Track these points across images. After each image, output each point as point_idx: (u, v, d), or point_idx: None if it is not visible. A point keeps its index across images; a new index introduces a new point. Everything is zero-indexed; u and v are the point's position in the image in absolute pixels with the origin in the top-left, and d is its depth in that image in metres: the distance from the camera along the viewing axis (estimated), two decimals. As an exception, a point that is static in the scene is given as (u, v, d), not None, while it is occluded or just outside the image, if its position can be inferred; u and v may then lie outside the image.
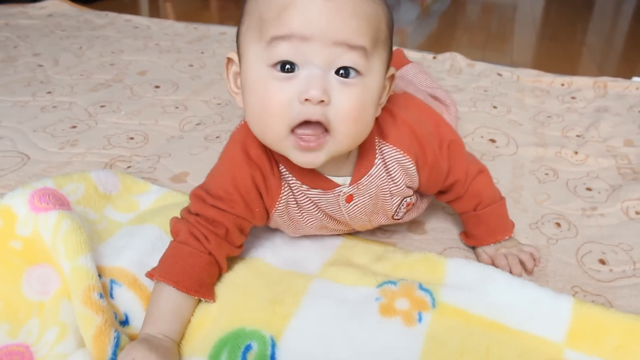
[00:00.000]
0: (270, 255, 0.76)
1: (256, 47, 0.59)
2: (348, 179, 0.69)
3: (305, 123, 0.58)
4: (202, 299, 0.68)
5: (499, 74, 1.59)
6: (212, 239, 0.69)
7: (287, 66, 0.57)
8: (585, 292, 0.76)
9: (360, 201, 0.72)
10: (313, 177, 0.68)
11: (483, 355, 0.61)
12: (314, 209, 0.72)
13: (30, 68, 1.57)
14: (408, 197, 0.76)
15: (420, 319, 0.64)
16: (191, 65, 1.63)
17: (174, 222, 0.72)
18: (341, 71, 0.58)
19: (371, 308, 0.65)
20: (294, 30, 0.56)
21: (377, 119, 0.66)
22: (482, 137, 1.20)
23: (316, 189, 0.70)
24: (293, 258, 0.76)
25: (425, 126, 0.72)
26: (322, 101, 0.56)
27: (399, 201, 0.75)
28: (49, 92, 1.40)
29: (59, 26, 2.01)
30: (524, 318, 0.65)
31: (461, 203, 0.79)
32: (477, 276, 0.70)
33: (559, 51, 2.01)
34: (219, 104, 1.36)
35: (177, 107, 1.33)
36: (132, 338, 0.65)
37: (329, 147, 0.60)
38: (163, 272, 0.67)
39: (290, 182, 0.70)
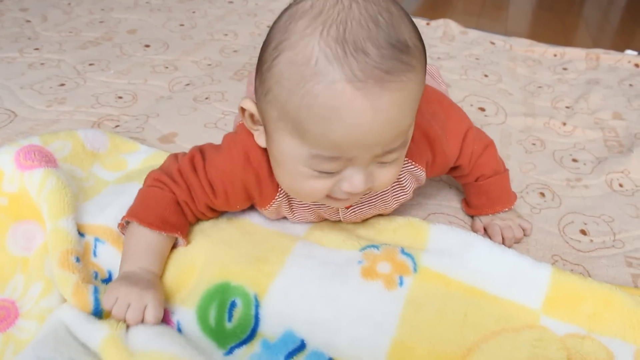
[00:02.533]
0: (256, 217, 0.77)
1: (294, 145, 0.56)
2: None
3: None
4: (175, 236, 0.69)
5: (492, 43, 1.59)
6: (183, 186, 0.68)
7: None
8: (564, 261, 0.78)
9: (359, 208, 0.72)
10: None
11: (461, 320, 0.62)
12: (308, 211, 0.73)
13: (18, 23, 1.54)
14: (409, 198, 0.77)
15: (401, 283, 0.65)
16: (182, 25, 1.60)
17: (149, 173, 0.72)
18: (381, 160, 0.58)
19: (353, 271, 0.66)
20: (340, 152, 0.54)
21: None
22: (471, 105, 1.21)
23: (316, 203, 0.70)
24: (280, 220, 0.77)
25: (438, 121, 0.70)
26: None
27: (398, 204, 0.76)
28: (36, 49, 1.38)
29: (48, -19, 1.96)
30: (502, 284, 0.66)
31: (463, 178, 0.80)
32: (458, 242, 0.71)
33: (554, 22, 2.00)
34: (209, 64, 1.35)
35: (166, 67, 1.32)
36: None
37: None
38: (128, 213, 0.68)
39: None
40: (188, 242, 0.71)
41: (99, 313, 0.62)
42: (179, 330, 0.63)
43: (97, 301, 0.62)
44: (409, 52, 0.51)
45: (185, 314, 0.64)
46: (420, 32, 0.56)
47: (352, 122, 0.51)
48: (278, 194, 0.69)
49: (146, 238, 0.67)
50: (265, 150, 0.65)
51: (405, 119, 0.54)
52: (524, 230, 0.80)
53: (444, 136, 0.70)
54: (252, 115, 0.61)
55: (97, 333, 0.58)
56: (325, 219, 0.76)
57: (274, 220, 0.76)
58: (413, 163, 0.69)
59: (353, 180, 0.57)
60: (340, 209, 0.71)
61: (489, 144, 0.78)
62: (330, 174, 0.57)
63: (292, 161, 0.57)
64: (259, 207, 0.73)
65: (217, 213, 0.74)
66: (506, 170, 0.81)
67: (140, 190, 0.71)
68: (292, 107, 0.52)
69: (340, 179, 0.57)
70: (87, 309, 0.61)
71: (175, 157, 0.73)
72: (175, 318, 0.64)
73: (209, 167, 0.68)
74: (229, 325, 0.63)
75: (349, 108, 0.50)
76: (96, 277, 0.68)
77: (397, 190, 0.72)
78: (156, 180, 0.70)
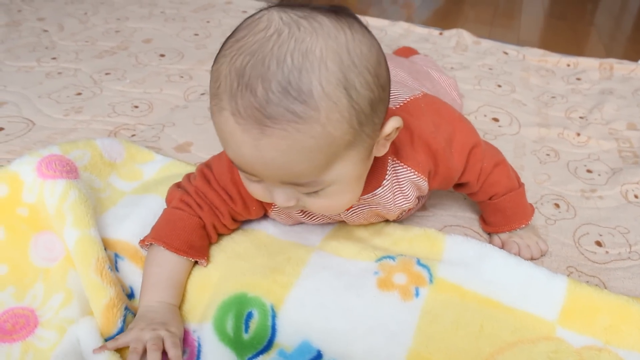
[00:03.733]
0: (271, 227, 0.77)
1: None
2: None
3: None
4: (196, 261, 0.70)
5: (505, 52, 1.59)
6: (206, 209, 0.70)
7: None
8: (580, 272, 0.77)
9: (360, 210, 0.72)
10: None
11: (477, 331, 0.62)
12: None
13: (35, 33, 1.56)
14: (412, 207, 0.77)
15: (417, 294, 0.65)
16: (196, 35, 1.62)
17: (171, 190, 0.74)
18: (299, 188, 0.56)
19: (369, 282, 0.66)
20: (244, 169, 0.55)
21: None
22: (485, 115, 1.21)
23: None
24: (294, 230, 0.77)
25: (443, 134, 0.70)
26: (292, 206, 0.58)
27: (400, 211, 0.76)
28: (54, 58, 1.39)
29: (64, -10, 1.99)
30: (518, 296, 0.66)
31: (476, 196, 0.80)
32: (474, 253, 0.71)
33: (566, 31, 2.00)
34: (223, 74, 1.36)
35: (182, 77, 1.33)
36: (137, 311, 0.66)
37: None
38: (153, 235, 0.69)
39: None
40: (208, 262, 0.72)
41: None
42: (199, 346, 0.64)
43: (121, 330, 0.63)
44: (307, 103, 0.48)
45: (204, 328, 0.64)
46: (369, 82, 0.51)
47: (236, 150, 0.52)
48: None
49: (170, 264, 0.68)
50: None
51: (294, 164, 0.51)
52: (541, 251, 0.79)
53: (449, 149, 0.70)
54: None
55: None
56: (341, 226, 0.77)
57: (289, 230, 0.77)
58: (415, 172, 0.69)
59: (275, 196, 0.57)
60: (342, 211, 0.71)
61: (500, 162, 0.77)
62: (257, 179, 0.57)
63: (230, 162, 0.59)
64: (268, 211, 0.73)
65: (239, 223, 0.75)
66: (521, 185, 0.80)
67: (166, 212, 0.72)
68: (212, 116, 0.54)
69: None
70: (109, 330, 0.62)
71: (188, 178, 0.74)
72: (196, 335, 0.65)
73: (218, 175, 0.70)
74: (246, 336, 0.63)
75: (233, 137, 0.51)
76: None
77: (399, 197, 0.71)
78: (182, 202, 0.70)
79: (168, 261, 0.68)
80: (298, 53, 0.48)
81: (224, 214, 0.71)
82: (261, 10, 0.53)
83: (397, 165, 0.68)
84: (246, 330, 0.64)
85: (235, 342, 0.63)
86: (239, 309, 0.65)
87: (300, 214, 0.73)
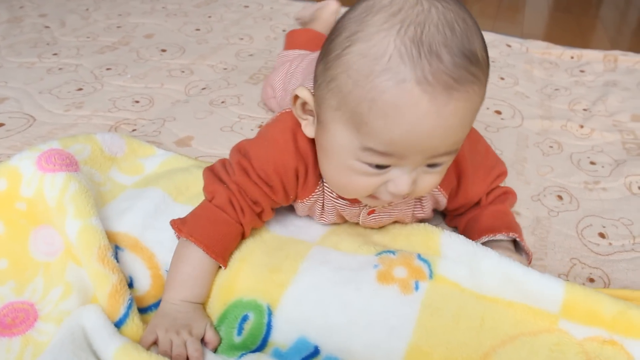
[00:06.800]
0: (273, 222, 0.76)
1: (348, 136, 0.56)
2: None
3: None
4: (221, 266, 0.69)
5: (508, 45, 1.58)
6: (248, 213, 0.68)
7: (381, 166, 0.56)
8: (583, 264, 0.77)
9: (380, 216, 0.73)
10: None
11: (478, 324, 0.62)
12: (333, 212, 0.73)
13: (37, 29, 1.56)
14: (429, 217, 0.77)
15: (417, 287, 0.64)
16: (198, 30, 1.61)
17: (210, 179, 0.70)
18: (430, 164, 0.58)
19: (369, 275, 0.65)
20: (395, 149, 0.53)
21: None
22: (487, 108, 1.20)
23: (344, 200, 0.70)
24: (295, 224, 0.77)
25: (475, 155, 0.70)
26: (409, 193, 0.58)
27: (415, 220, 0.76)
28: (55, 54, 1.39)
29: (66, -13, 1.99)
30: (517, 292, 0.64)
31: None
32: (467, 250, 0.68)
33: (571, 24, 1.98)
34: (225, 68, 1.35)
35: (183, 71, 1.33)
36: (136, 300, 0.66)
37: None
38: (195, 232, 0.66)
39: (325, 186, 0.70)
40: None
41: (121, 324, 0.62)
42: None
43: (125, 315, 0.62)
44: (478, 65, 0.52)
45: None
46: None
47: (413, 123, 0.51)
48: (318, 188, 0.70)
49: (203, 266, 0.66)
50: (312, 140, 0.65)
51: (463, 129, 0.54)
52: None
53: (472, 177, 0.70)
54: (303, 104, 0.62)
55: (113, 343, 0.58)
56: (343, 224, 0.77)
57: (289, 225, 0.76)
58: (437, 187, 0.69)
59: (399, 182, 0.57)
60: (361, 215, 0.72)
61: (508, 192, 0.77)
62: (377, 172, 0.57)
63: (342, 153, 0.57)
64: (299, 199, 0.72)
65: (274, 212, 0.74)
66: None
67: (209, 208, 0.68)
68: (355, 99, 0.52)
69: (386, 180, 0.58)
70: (114, 317, 0.62)
71: (224, 166, 0.71)
72: None
73: (257, 164, 0.67)
74: (237, 339, 0.63)
75: (414, 109, 0.50)
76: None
77: (417, 208, 0.73)
78: (228, 203, 0.67)
79: (201, 262, 0.66)
80: (461, 21, 0.51)
81: (265, 208, 0.70)
82: None
83: None
84: (239, 333, 0.63)
85: (225, 346, 0.63)
86: (232, 315, 0.65)
87: (320, 209, 0.73)
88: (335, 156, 0.59)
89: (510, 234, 0.70)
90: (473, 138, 0.72)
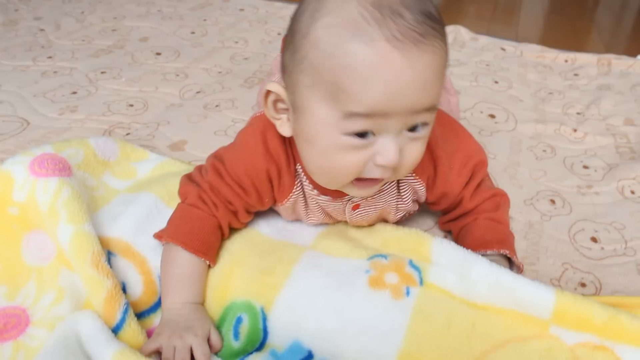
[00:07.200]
0: (265, 226, 0.77)
1: (328, 112, 0.56)
2: None
3: None
4: (209, 264, 0.69)
5: (503, 49, 1.58)
6: (221, 208, 0.69)
7: (365, 134, 0.56)
8: (575, 269, 0.77)
9: (365, 211, 0.73)
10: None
11: (469, 330, 0.62)
12: (318, 209, 0.73)
13: (32, 32, 1.56)
14: (412, 210, 0.77)
15: (408, 293, 0.64)
16: (193, 33, 1.61)
17: (184, 182, 0.73)
18: (412, 127, 0.58)
19: (361, 280, 0.66)
20: (376, 109, 0.54)
21: None
22: (481, 112, 1.20)
23: (326, 195, 0.70)
24: (287, 229, 0.77)
25: (448, 147, 0.70)
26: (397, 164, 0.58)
27: (402, 214, 0.77)
28: (49, 57, 1.39)
29: (61, -11, 1.99)
30: (508, 299, 0.64)
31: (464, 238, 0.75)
32: (458, 257, 0.68)
33: (566, 27, 1.98)
34: (219, 72, 1.36)
35: (177, 75, 1.33)
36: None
37: (385, 181, 0.62)
38: (171, 233, 0.68)
39: (304, 183, 0.70)
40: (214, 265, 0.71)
41: (118, 330, 0.62)
42: None
43: (122, 320, 0.62)
44: (437, 21, 0.55)
45: None
46: None
47: (390, 78, 0.52)
48: (295, 187, 0.70)
49: (189, 264, 0.67)
50: (282, 140, 0.66)
51: (436, 83, 0.56)
52: None
53: (448, 163, 0.70)
54: (275, 103, 0.63)
55: (110, 348, 0.57)
56: (334, 225, 0.77)
57: (282, 230, 0.76)
58: (412, 174, 0.69)
59: (386, 151, 0.56)
60: (347, 211, 0.72)
61: (500, 196, 0.75)
62: (362, 144, 0.56)
63: (324, 131, 0.57)
64: (277, 203, 0.73)
65: (252, 215, 0.75)
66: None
67: (182, 208, 0.71)
68: (329, 70, 0.54)
69: (372, 154, 0.57)
70: (110, 322, 0.62)
71: (199, 170, 0.73)
72: None
73: (230, 167, 0.69)
74: (236, 343, 0.63)
75: (388, 65, 0.52)
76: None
77: (398, 198, 0.73)
78: (199, 199, 0.70)
79: (186, 261, 0.67)
80: None
81: (239, 209, 0.70)
82: None
83: None
84: (236, 337, 0.64)
85: (224, 351, 0.63)
86: (227, 319, 0.65)
87: (303, 209, 0.73)
88: (318, 138, 0.58)
89: (502, 251, 0.70)
90: (446, 124, 0.73)
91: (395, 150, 0.56)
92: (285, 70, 0.60)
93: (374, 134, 0.56)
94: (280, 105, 0.62)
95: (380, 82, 0.52)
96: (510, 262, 0.71)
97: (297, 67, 0.57)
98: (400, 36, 0.51)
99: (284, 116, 0.63)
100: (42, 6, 1.78)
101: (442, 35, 0.56)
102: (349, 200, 0.70)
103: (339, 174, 0.60)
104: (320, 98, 0.56)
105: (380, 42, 0.51)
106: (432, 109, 0.57)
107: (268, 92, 0.62)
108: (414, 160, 0.61)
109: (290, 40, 0.58)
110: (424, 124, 0.58)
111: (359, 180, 0.61)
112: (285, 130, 0.64)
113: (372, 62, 0.52)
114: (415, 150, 0.60)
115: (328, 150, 0.58)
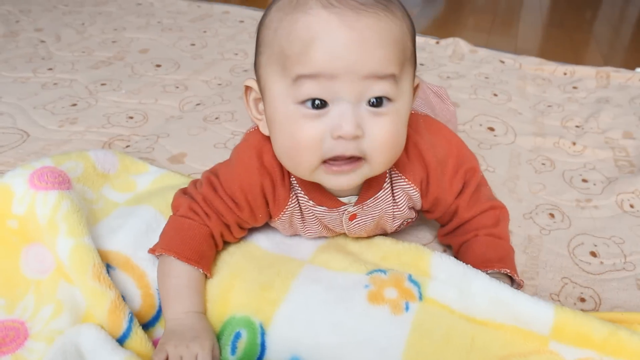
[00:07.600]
0: (264, 239, 0.77)
1: (281, 84, 0.58)
2: (354, 198, 0.69)
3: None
4: (205, 273, 0.69)
5: (502, 61, 1.59)
6: (214, 218, 0.70)
7: (317, 102, 0.56)
8: (574, 283, 0.77)
9: (362, 220, 0.73)
10: (320, 194, 0.69)
11: (468, 345, 0.61)
12: (315, 222, 0.73)
13: (32, 44, 1.57)
14: (410, 218, 0.77)
15: (407, 308, 0.64)
16: (193, 45, 1.62)
17: (178, 195, 0.74)
18: (372, 101, 0.57)
19: (359, 295, 0.65)
20: (320, 68, 0.55)
21: None
22: (480, 125, 1.20)
23: (322, 206, 0.70)
24: (286, 242, 0.77)
25: (438, 153, 0.70)
26: (356, 136, 0.57)
27: (400, 222, 0.76)
28: (50, 69, 1.40)
29: (62, 1, 2.00)
30: (508, 314, 0.64)
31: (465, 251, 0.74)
32: (458, 271, 0.68)
33: (564, 39, 1.99)
34: (219, 84, 1.36)
35: (177, 87, 1.33)
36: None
37: (362, 171, 0.61)
38: (164, 245, 0.69)
39: (299, 194, 0.70)
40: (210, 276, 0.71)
41: (125, 339, 0.62)
42: None
43: (129, 329, 0.63)
44: (389, 1, 0.58)
45: None
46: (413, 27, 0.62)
47: (328, 37, 0.54)
48: (290, 199, 0.70)
49: (185, 274, 0.67)
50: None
51: (385, 48, 0.56)
52: None
53: (440, 168, 0.70)
54: (256, 103, 0.66)
55: (117, 357, 0.58)
56: (333, 238, 0.77)
57: (280, 243, 0.76)
58: (405, 179, 0.69)
59: (342, 120, 0.56)
60: (344, 221, 0.72)
61: (497, 207, 0.74)
62: (317, 114, 0.57)
63: (279, 104, 0.59)
64: (273, 218, 0.73)
65: (245, 231, 0.75)
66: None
67: (174, 220, 0.71)
68: (276, 42, 0.58)
69: (329, 126, 0.57)
70: (116, 333, 0.62)
71: (194, 184, 0.74)
72: None
73: (225, 182, 0.69)
74: (232, 358, 0.63)
75: (325, 26, 0.54)
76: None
77: (393, 205, 0.72)
78: (190, 210, 0.70)
79: (182, 271, 0.67)
80: None
81: (231, 222, 0.71)
82: None
83: (393, 172, 0.69)
84: (233, 351, 0.63)
85: None
86: (228, 332, 0.65)
87: (300, 222, 0.73)
88: (277, 113, 0.59)
89: (502, 270, 0.69)
90: (435, 129, 0.72)
91: (350, 119, 0.56)
92: (256, 66, 0.63)
93: (327, 104, 0.57)
94: (261, 107, 0.64)
95: (319, 42, 0.54)
96: (512, 279, 0.71)
97: (258, 53, 0.62)
98: (337, 4, 0.55)
99: (264, 116, 0.64)
100: (43, 18, 1.79)
101: (393, 10, 0.57)
102: (345, 210, 0.70)
103: (301, 152, 0.59)
104: (273, 71, 0.59)
105: (316, 9, 0.55)
106: (387, 78, 0.57)
107: (246, 89, 0.66)
108: (382, 140, 0.59)
109: (257, 41, 0.63)
110: (388, 100, 0.58)
111: (328, 165, 0.59)
112: (263, 127, 0.66)
113: (310, 25, 0.55)
114: (381, 128, 0.58)
115: (286, 123, 0.59)
